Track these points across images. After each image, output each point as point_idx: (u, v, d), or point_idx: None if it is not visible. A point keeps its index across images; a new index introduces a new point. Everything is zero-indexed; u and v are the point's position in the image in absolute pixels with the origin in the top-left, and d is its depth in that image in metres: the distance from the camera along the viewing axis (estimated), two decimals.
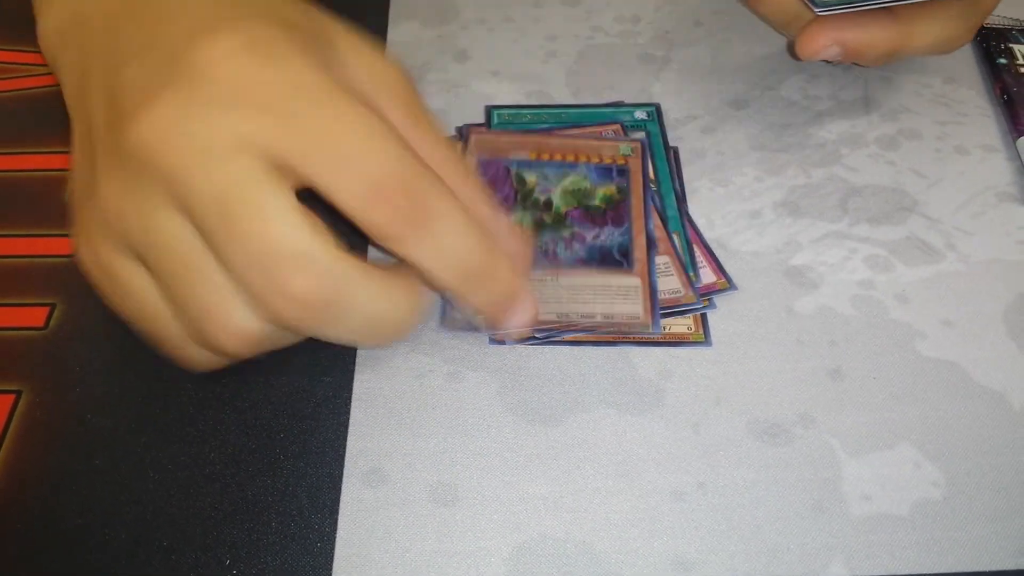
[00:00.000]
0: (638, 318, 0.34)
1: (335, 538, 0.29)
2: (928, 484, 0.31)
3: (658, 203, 0.38)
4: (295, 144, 0.26)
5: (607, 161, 0.39)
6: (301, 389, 0.33)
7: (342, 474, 0.31)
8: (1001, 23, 0.46)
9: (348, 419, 0.32)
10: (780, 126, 0.42)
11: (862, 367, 0.34)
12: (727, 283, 0.36)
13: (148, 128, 0.26)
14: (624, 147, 0.40)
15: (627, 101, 0.42)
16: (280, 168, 0.26)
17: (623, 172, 0.38)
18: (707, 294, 0.35)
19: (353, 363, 0.33)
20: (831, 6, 0.37)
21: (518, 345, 0.34)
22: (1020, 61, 0.44)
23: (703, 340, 0.34)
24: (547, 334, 0.34)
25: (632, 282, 0.35)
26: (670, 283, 0.35)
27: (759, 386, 0.33)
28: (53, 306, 0.35)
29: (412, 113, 0.30)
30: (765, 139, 0.41)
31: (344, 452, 0.31)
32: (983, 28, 0.46)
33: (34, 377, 0.33)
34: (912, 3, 0.38)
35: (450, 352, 0.34)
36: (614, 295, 0.34)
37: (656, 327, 0.34)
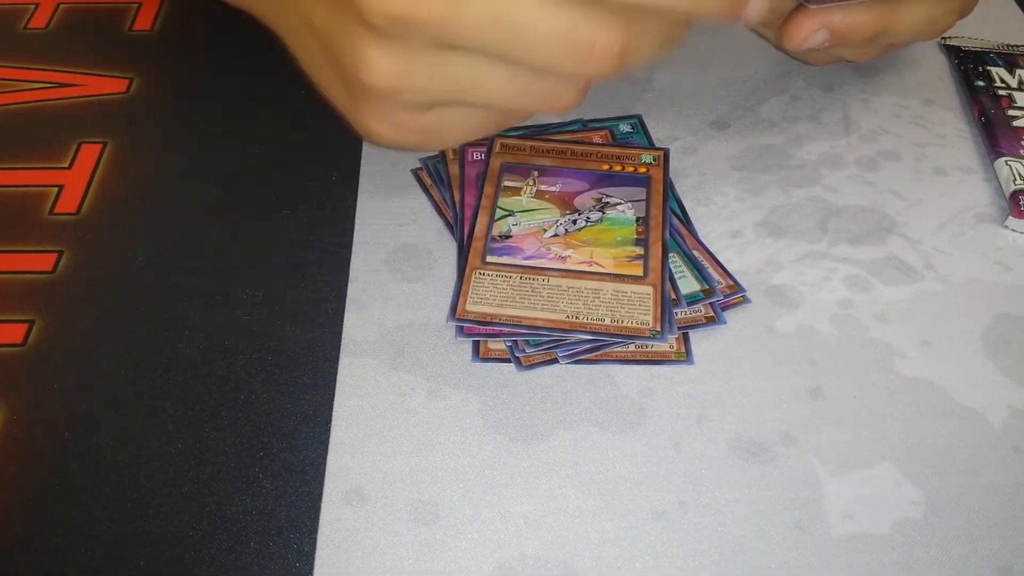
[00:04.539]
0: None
1: (314, 558, 0.29)
2: (908, 503, 0.31)
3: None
4: None
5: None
6: (282, 407, 0.33)
7: (322, 493, 0.31)
8: (979, 46, 0.47)
9: (329, 437, 0.32)
10: (760, 147, 0.42)
11: (842, 386, 0.34)
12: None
13: None
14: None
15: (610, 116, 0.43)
16: None
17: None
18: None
19: (334, 380, 0.33)
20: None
21: (500, 363, 0.34)
22: (998, 83, 0.45)
23: (685, 359, 0.34)
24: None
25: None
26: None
27: (741, 405, 0.33)
28: (32, 323, 0.35)
29: None
30: (746, 160, 0.42)
31: (324, 471, 0.31)
32: (960, 51, 0.47)
33: (12, 394, 0.33)
34: None
35: (432, 370, 0.34)
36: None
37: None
